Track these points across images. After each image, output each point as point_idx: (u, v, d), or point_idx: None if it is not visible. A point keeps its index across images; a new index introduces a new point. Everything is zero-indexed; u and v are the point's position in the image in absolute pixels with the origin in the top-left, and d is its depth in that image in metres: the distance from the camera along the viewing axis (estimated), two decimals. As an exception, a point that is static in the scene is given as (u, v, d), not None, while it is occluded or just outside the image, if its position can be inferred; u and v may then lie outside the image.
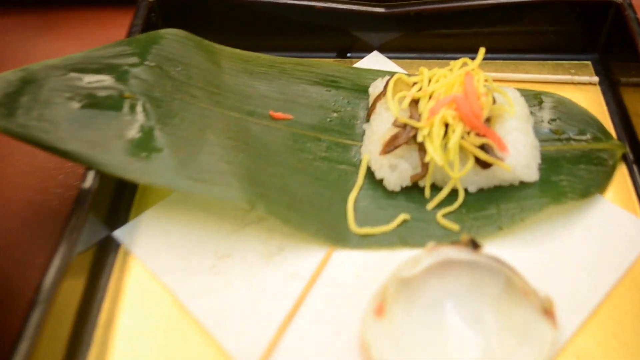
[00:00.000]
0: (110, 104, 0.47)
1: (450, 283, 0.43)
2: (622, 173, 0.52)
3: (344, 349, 0.42)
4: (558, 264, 0.46)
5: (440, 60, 0.63)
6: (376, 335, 0.41)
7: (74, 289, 0.43)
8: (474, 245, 0.42)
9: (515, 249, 0.47)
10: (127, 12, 0.58)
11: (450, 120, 0.47)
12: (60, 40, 0.64)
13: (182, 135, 0.48)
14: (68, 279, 0.40)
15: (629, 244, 0.47)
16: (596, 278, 0.45)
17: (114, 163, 0.44)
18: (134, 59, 0.51)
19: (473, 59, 0.51)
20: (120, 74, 0.49)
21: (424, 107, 0.49)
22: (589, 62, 0.63)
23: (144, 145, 0.46)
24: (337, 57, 0.64)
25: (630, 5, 0.56)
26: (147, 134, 0.47)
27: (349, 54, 0.64)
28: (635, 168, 0.53)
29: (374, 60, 0.62)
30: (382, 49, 0.64)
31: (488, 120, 0.49)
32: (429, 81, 0.51)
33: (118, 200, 0.50)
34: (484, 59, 0.52)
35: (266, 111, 0.55)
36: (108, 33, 0.59)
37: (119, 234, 0.49)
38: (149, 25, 0.57)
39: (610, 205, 0.50)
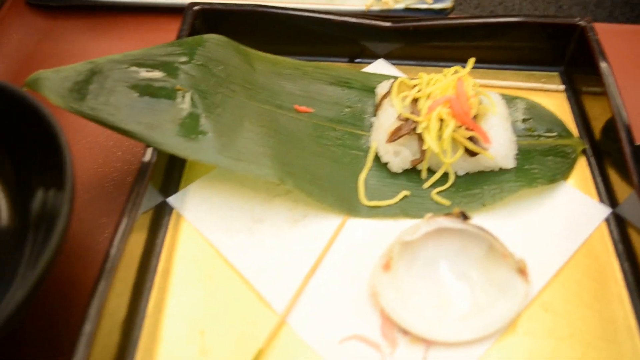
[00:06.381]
0: (164, 94, 0.49)
1: (444, 246, 0.46)
2: (582, 164, 0.55)
3: (357, 296, 0.46)
4: (530, 234, 0.49)
5: (435, 67, 0.63)
6: (383, 285, 0.44)
7: (137, 242, 0.47)
8: (464, 216, 0.46)
9: (496, 221, 0.50)
10: (176, 19, 0.61)
11: (444, 117, 0.50)
12: (119, 40, 0.67)
13: (224, 122, 0.50)
14: (134, 234, 0.45)
15: (586, 221, 0.50)
16: (560, 246, 0.48)
17: (168, 143, 0.47)
18: (184, 58, 0.53)
19: (463, 67, 0.54)
20: (172, 70, 0.51)
21: (423, 105, 0.51)
22: (556, 73, 0.64)
23: (193, 129, 0.48)
24: (349, 62, 0.66)
25: (592, 28, 0.59)
26: (195, 120, 0.49)
27: (358, 60, 0.65)
28: (592, 161, 0.56)
29: (380, 66, 0.63)
30: (387, 57, 0.65)
31: (475, 117, 0.51)
32: (427, 84, 0.53)
33: (170, 173, 0.53)
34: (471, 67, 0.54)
35: (291, 105, 0.57)
36: (159, 36, 0.62)
37: (172, 200, 0.52)
38: (194, 30, 0.60)
39: (572, 190, 0.52)
